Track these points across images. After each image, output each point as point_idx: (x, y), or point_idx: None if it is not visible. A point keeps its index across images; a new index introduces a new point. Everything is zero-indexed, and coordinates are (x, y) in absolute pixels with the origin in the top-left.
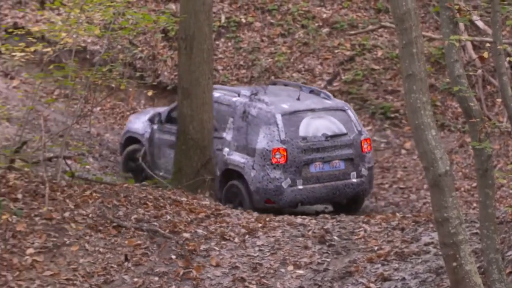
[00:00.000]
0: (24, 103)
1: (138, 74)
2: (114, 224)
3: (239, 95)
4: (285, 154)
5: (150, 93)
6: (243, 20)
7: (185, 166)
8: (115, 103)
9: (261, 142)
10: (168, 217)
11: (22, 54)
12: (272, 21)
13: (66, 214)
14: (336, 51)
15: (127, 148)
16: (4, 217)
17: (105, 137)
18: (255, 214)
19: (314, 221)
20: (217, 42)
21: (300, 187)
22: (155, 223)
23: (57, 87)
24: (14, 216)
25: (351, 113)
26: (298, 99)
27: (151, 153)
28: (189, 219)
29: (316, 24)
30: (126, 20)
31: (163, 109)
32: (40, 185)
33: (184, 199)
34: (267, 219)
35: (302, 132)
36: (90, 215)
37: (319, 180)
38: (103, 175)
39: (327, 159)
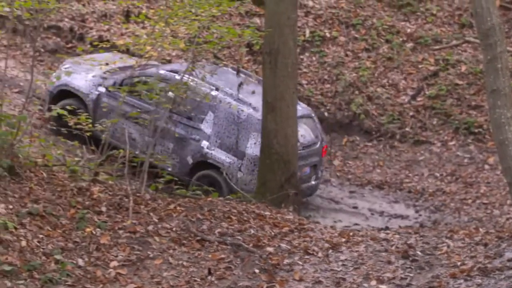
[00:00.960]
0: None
1: None
2: (198, 237)
3: (217, 90)
4: None
5: None
6: (328, 35)
7: (269, 180)
8: None
9: (252, 148)
10: (252, 231)
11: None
12: (356, 35)
13: (150, 228)
14: (420, 66)
15: (61, 102)
16: (88, 230)
17: None
18: (338, 228)
19: (397, 236)
20: (301, 57)
21: None
22: (239, 237)
23: None
24: (98, 229)
25: (316, 120)
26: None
27: (95, 116)
28: (272, 233)
29: (400, 39)
30: (211, 34)
31: (108, 71)
32: (124, 198)
33: (267, 213)
34: (351, 233)
35: None
36: (174, 229)
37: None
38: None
39: (300, 167)
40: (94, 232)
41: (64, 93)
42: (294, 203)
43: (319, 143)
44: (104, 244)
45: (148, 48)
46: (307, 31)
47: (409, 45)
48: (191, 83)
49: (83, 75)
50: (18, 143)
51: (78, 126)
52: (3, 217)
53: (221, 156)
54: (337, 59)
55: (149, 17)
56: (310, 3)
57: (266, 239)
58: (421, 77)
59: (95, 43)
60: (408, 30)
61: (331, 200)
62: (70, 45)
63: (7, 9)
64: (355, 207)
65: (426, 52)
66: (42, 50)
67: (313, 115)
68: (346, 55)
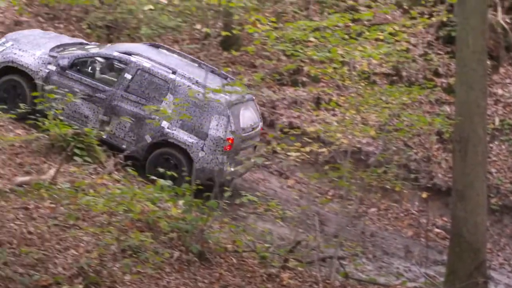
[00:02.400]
0: (299, 202)
1: (412, 175)
2: None
3: (174, 73)
4: (232, 143)
5: (424, 195)
6: None
7: (458, 268)
8: (389, 205)
9: (215, 130)
10: None
11: (297, 154)
12: None
13: None
14: None
15: (3, 77)
16: None
17: (378, 238)
18: None
19: None
20: (490, 145)
21: (233, 169)
22: None
23: (332, 188)
24: None
25: (256, 103)
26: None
27: (44, 90)
28: None
29: None
30: (401, 122)
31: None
32: (314, 285)
33: None
34: None
35: (241, 123)
36: None
37: (240, 164)
38: (376, 276)
39: (248, 147)
40: None
41: (8, 69)
42: None
43: (259, 125)
44: None
45: (339, 135)
46: (497, 120)
47: None
48: (148, 65)
49: (31, 52)
50: (208, 228)
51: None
52: None
53: (183, 136)
54: None
55: (339, 104)
56: (500, 91)
57: None
58: None
59: (286, 129)
60: None
61: None
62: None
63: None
64: None
65: None
66: None
67: (253, 98)
68: None
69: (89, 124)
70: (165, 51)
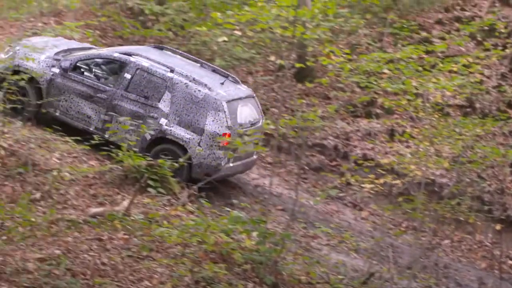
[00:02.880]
0: (372, 234)
1: (486, 207)
2: None
3: (172, 71)
4: (229, 138)
5: (498, 227)
6: None
7: None
8: (462, 236)
9: (211, 125)
10: None
11: (371, 185)
12: None
13: None
14: None
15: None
16: None
17: (452, 270)
18: None
19: None
20: None
21: (231, 164)
22: None
23: (406, 219)
24: None
25: (257, 100)
26: (223, 83)
27: (48, 93)
28: None
29: None
30: (474, 154)
31: (59, 50)
32: None
33: None
34: None
35: (239, 119)
36: None
37: (240, 159)
38: None
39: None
40: None
41: (15, 74)
42: None
43: (260, 121)
44: None
45: (413, 167)
46: None
47: None
48: (147, 65)
49: (35, 56)
50: (281, 260)
51: None
52: None
53: (180, 132)
54: None
55: (413, 136)
56: None
57: None
58: None
59: (360, 161)
60: None
61: None
62: (334, 163)
63: (272, 127)
64: None
65: None
66: (306, 168)
67: (254, 95)
68: None
69: (92, 124)
70: (169, 52)
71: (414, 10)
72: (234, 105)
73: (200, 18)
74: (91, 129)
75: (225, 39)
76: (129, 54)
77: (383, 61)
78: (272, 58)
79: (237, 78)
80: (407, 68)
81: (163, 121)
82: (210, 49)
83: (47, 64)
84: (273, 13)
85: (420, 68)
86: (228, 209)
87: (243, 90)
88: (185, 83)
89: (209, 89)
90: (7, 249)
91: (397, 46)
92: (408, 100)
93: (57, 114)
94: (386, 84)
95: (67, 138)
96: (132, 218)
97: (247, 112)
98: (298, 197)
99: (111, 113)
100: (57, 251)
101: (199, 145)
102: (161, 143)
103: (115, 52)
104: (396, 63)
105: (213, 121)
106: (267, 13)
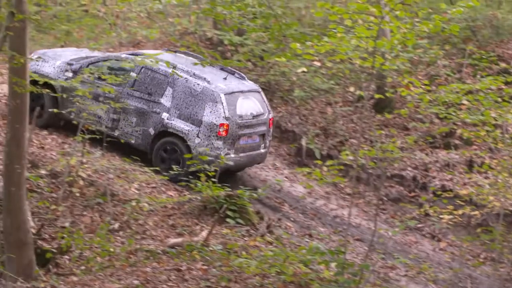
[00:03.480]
0: (451, 265)
1: None
2: None
3: (174, 68)
4: (227, 128)
5: None
6: None
7: None
8: None
9: (208, 116)
10: None
11: (450, 216)
12: None
13: None
14: None
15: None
16: None
17: None
18: None
19: None
20: None
21: (232, 155)
22: None
23: (484, 250)
24: None
25: (263, 95)
26: (225, 78)
27: (63, 96)
28: None
29: None
30: None
31: (75, 57)
32: None
33: None
34: None
35: (238, 110)
36: None
37: (244, 151)
38: None
39: (250, 134)
40: None
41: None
42: None
43: (266, 114)
44: None
45: (491, 198)
46: None
47: None
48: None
49: (51, 62)
50: None
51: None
52: None
53: (180, 125)
54: None
55: (492, 167)
56: None
57: None
58: None
59: (438, 192)
60: None
61: None
62: (412, 194)
63: (351, 157)
64: None
65: None
66: (385, 198)
67: (259, 90)
68: None
69: (103, 124)
70: (181, 55)
71: (493, 41)
72: (233, 98)
73: (279, 49)
74: (102, 128)
75: (304, 69)
76: (136, 55)
77: (462, 92)
78: (351, 89)
79: (243, 75)
80: (486, 99)
81: (164, 115)
82: (289, 80)
83: (61, 69)
84: (352, 44)
85: (499, 99)
86: (306, 239)
87: (248, 84)
88: (185, 78)
89: (208, 82)
90: (86, 279)
91: (476, 77)
92: (487, 131)
93: (72, 116)
94: (465, 115)
95: (146, 169)
96: (211, 248)
97: (248, 105)
98: (376, 227)
99: (119, 111)
100: (136, 282)
101: (197, 136)
102: (164, 137)
103: (123, 53)
104: (475, 94)
105: (210, 112)
106: (347, 44)
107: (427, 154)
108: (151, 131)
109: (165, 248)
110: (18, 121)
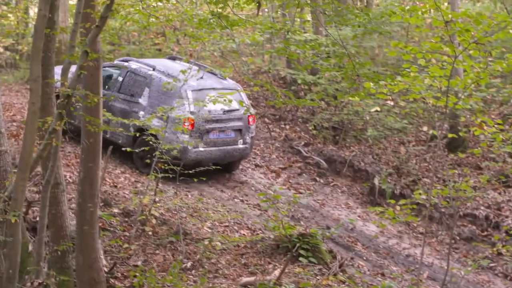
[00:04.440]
0: None
1: None
2: None
3: (154, 69)
4: (192, 122)
5: None
6: None
7: None
8: None
9: (175, 111)
10: None
11: None
12: None
13: None
14: None
15: None
16: None
17: None
18: None
19: None
20: None
21: (201, 149)
22: None
23: None
24: None
25: (242, 93)
26: (202, 77)
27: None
28: None
29: None
30: None
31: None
32: None
33: None
34: None
35: (207, 106)
36: None
37: (216, 145)
38: None
39: (222, 129)
40: None
41: None
42: None
43: (242, 111)
44: None
45: None
46: None
47: None
48: (135, 66)
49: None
50: None
51: None
52: None
53: (153, 122)
54: None
55: None
56: None
57: None
58: None
59: (511, 231)
60: None
61: None
62: (485, 233)
63: (424, 197)
64: None
65: None
66: (458, 237)
67: (238, 88)
68: None
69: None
70: (178, 61)
71: None
72: (201, 94)
73: (353, 88)
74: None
75: (378, 109)
76: (126, 61)
77: None
78: (425, 128)
79: (223, 75)
80: None
81: (141, 114)
82: (362, 119)
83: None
84: (425, 83)
85: None
86: (379, 278)
87: (225, 83)
88: (160, 78)
89: (178, 80)
90: None
91: None
92: None
93: (76, 123)
94: None
95: (219, 207)
96: (283, 287)
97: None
98: (449, 267)
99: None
100: None
101: (165, 131)
102: (142, 135)
103: (116, 60)
104: None
105: (176, 107)
106: (420, 83)
107: (500, 194)
108: (131, 130)
109: (238, 287)
110: (91, 160)
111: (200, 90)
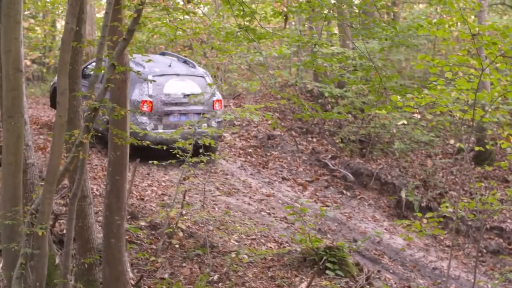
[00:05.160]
0: None
1: None
2: None
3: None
4: (151, 105)
5: None
6: None
7: None
8: None
9: (135, 95)
10: None
11: None
12: None
13: None
14: None
15: None
16: None
17: None
18: None
19: None
20: None
21: (160, 130)
22: None
23: None
24: None
25: (208, 79)
26: (170, 65)
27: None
28: None
29: None
30: None
31: None
32: None
33: None
34: None
35: (166, 90)
36: None
37: (176, 127)
38: None
39: (183, 112)
40: None
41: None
42: None
43: (206, 96)
44: None
45: None
46: None
47: None
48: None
49: None
50: None
51: None
52: None
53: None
54: None
55: None
56: None
57: None
58: None
59: None
60: None
61: None
62: None
63: (450, 210)
64: None
65: None
66: (484, 250)
67: (205, 75)
68: None
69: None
70: (167, 56)
71: None
72: (163, 79)
73: (380, 101)
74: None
75: (405, 122)
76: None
77: None
78: (452, 141)
79: (194, 63)
80: None
81: None
82: (389, 132)
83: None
84: (452, 96)
85: None
86: None
87: (192, 70)
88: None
89: (143, 67)
90: None
91: None
92: None
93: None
94: None
95: (246, 220)
96: None
97: (182, 86)
98: (476, 280)
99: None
100: None
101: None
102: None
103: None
104: None
105: (138, 91)
106: (447, 96)
107: None
108: (105, 119)
109: None
110: (118, 173)
111: (162, 75)
